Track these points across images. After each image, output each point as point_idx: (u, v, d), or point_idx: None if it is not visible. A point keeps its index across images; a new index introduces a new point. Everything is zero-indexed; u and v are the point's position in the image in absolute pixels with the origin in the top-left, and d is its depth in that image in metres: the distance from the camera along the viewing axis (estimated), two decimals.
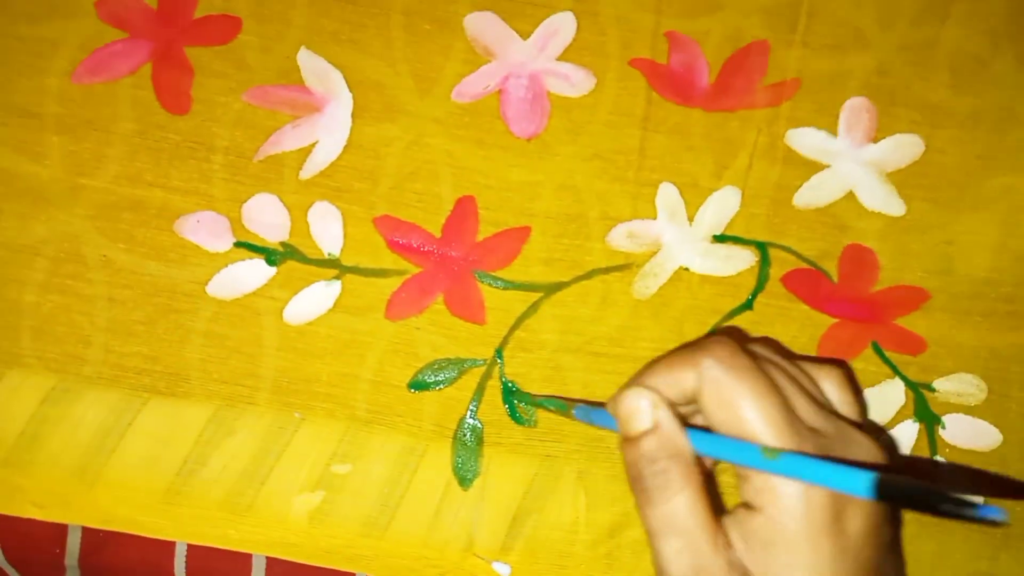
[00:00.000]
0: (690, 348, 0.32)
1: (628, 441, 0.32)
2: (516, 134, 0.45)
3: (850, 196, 0.45)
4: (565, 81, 0.45)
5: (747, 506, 0.31)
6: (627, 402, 0.32)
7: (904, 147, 0.46)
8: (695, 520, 0.30)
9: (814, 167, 0.45)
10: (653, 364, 0.33)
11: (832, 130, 0.46)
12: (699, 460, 0.32)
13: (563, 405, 0.39)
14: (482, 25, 0.45)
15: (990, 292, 0.45)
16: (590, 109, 0.45)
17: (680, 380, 0.32)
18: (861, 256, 0.45)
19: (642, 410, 0.32)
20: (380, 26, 0.45)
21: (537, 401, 0.42)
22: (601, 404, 0.35)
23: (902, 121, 0.46)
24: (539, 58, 0.45)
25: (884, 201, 0.45)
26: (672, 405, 0.32)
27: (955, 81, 0.46)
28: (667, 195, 0.45)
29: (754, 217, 0.45)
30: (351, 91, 0.44)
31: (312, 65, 0.44)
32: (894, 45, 0.46)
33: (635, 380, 0.33)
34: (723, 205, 0.45)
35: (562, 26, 0.46)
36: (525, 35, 0.45)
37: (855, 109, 0.46)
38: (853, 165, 0.45)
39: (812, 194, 0.45)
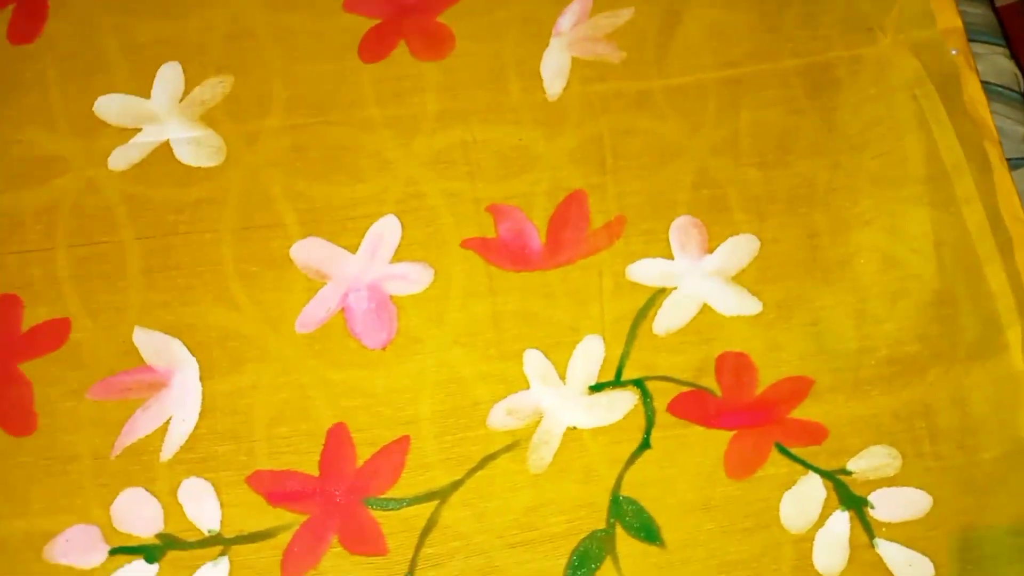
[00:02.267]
0: None
1: None
2: (370, 347, 0.44)
3: (705, 309, 0.46)
4: (404, 281, 0.45)
5: None
6: None
7: (740, 248, 0.47)
8: None
9: (663, 293, 0.46)
10: None
11: (667, 254, 0.46)
12: None
13: None
14: (309, 251, 0.45)
15: (868, 360, 0.45)
16: (435, 300, 0.45)
17: None
18: (735, 363, 0.45)
19: None
20: (210, 282, 0.45)
21: None
22: None
23: (731, 224, 0.47)
24: (372, 266, 0.46)
25: (738, 304, 0.46)
26: None
27: (764, 169, 0.48)
28: (533, 361, 0.44)
29: (621, 357, 0.45)
30: (194, 355, 0.43)
31: (149, 341, 0.44)
32: (703, 151, 0.48)
33: None
34: (589, 355, 0.45)
35: (387, 229, 0.46)
36: (354, 248, 0.46)
37: (683, 227, 0.47)
38: (698, 280, 0.46)
39: (669, 318, 0.45)
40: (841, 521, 0.43)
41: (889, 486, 0.43)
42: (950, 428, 0.44)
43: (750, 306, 0.46)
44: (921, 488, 0.43)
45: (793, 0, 0.50)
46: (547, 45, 0.50)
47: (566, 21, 0.50)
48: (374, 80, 0.48)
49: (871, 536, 0.43)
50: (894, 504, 0.43)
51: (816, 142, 0.48)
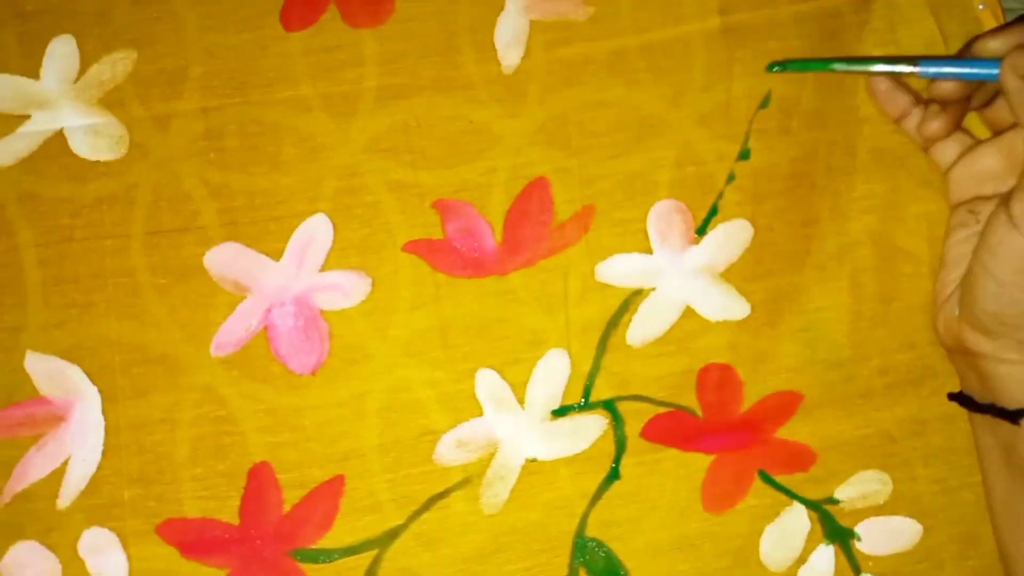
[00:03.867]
0: None
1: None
2: (297, 371, 0.39)
3: (688, 313, 0.40)
4: (337, 292, 0.40)
5: None
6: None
7: (732, 236, 0.41)
8: None
9: (639, 295, 0.40)
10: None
11: (645, 247, 0.41)
12: None
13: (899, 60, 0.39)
14: (225, 259, 0.39)
15: (861, 369, 0.41)
16: (373, 315, 0.39)
17: None
18: (719, 376, 0.40)
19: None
20: (113, 297, 0.39)
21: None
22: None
23: (722, 208, 0.41)
24: (300, 276, 0.40)
25: (725, 306, 0.41)
26: None
27: (760, 142, 0.42)
28: (487, 383, 0.39)
29: (589, 375, 0.39)
30: (95, 383, 0.38)
31: (43, 368, 0.38)
32: (688, 122, 0.42)
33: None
34: (552, 374, 0.39)
35: (316, 231, 0.40)
36: (278, 255, 0.40)
37: (664, 214, 0.41)
38: (681, 278, 0.41)
39: (645, 326, 0.40)
40: (825, 556, 0.39)
41: (878, 515, 0.39)
42: (943, 448, 0.40)
43: (738, 308, 0.40)
44: (911, 517, 0.39)
45: None
46: (502, 8, 0.43)
47: None
48: (301, 52, 0.42)
49: (856, 572, 0.39)
50: (882, 535, 0.39)
51: (820, 108, 0.42)
